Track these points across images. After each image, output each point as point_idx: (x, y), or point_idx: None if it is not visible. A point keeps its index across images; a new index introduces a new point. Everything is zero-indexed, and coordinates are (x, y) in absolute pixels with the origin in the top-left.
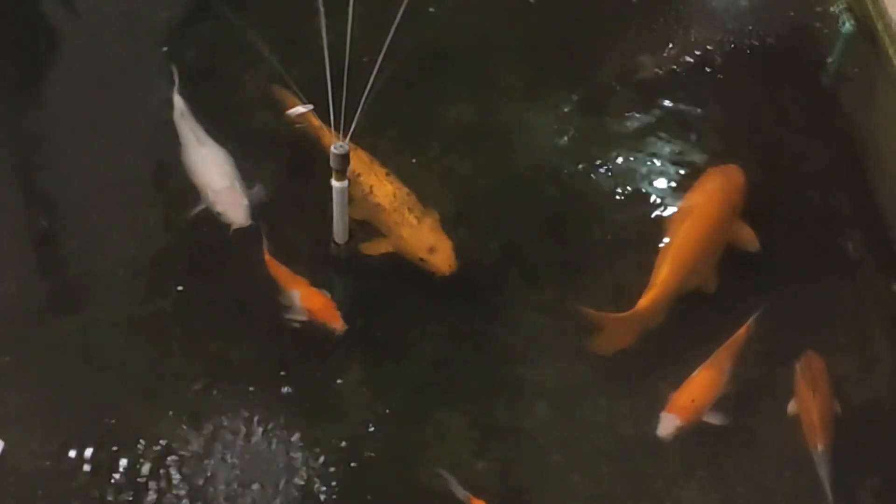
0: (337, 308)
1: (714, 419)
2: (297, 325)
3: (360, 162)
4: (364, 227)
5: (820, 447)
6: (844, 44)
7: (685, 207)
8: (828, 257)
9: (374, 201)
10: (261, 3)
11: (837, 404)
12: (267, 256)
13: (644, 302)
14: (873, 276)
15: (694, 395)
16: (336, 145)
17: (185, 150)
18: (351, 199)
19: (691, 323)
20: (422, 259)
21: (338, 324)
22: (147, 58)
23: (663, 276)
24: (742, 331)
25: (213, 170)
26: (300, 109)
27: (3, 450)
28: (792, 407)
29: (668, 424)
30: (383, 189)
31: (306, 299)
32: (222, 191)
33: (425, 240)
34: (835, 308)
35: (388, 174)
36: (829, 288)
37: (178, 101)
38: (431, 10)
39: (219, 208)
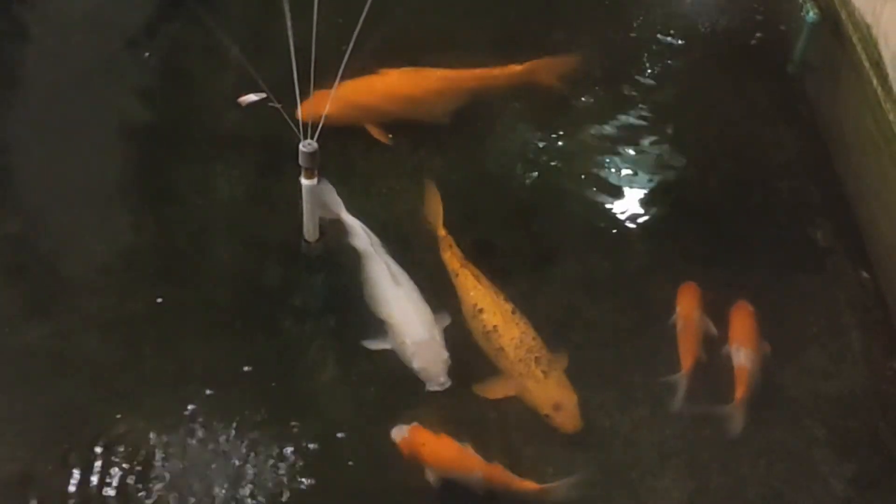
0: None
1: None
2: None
3: (483, 295)
4: (334, 226)
5: (683, 370)
6: (809, 33)
7: None
8: (797, 246)
9: (497, 344)
10: (230, 3)
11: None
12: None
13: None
14: (843, 265)
15: (425, 440)
16: (304, 143)
17: (373, 282)
18: (468, 324)
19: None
20: (546, 415)
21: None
22: (115, 60)
23: None
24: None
25: (412, 316)
26: (252, 98)
27: None
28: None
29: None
30: (509, 332)
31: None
32: (423, 344)
33: (551, 396)
34: (805, 297)
35: (513, 311)
36: (800, 277)
37: (355, 224)
38: (398, 7)
39: (417, 364)
